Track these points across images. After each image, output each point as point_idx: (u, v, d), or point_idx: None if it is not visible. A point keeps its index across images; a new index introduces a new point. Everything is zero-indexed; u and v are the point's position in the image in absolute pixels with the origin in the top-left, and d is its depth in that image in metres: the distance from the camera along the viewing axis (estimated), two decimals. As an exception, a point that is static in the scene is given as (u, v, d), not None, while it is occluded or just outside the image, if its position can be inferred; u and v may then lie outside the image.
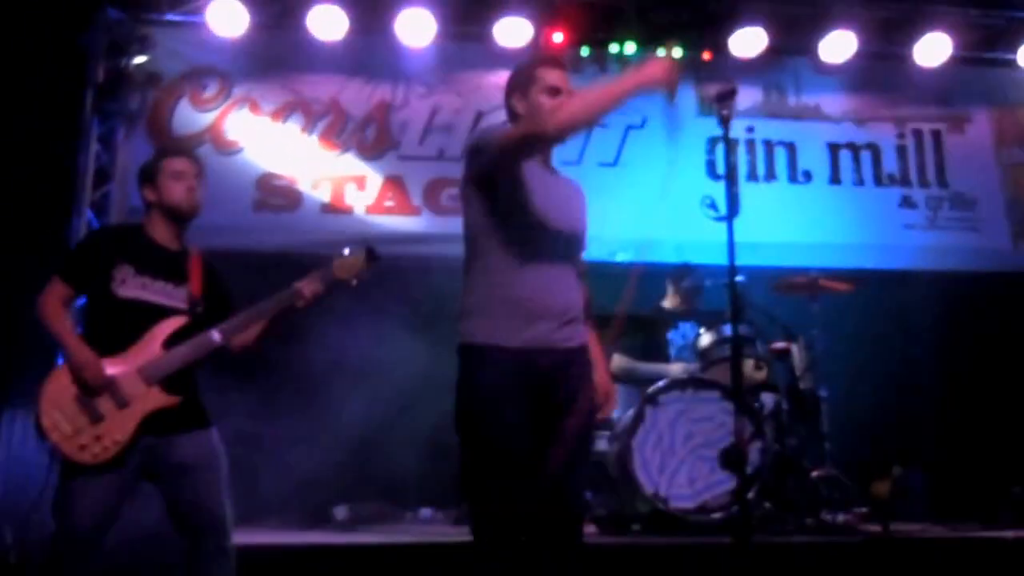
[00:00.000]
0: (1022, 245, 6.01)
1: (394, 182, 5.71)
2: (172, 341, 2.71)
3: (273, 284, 2.89)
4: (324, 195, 5.66)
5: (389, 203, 5.68)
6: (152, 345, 2.69)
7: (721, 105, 2.81)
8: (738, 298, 3.24)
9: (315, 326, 4.72)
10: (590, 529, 4.11)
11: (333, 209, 5.65)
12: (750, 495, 4.13)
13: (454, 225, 5.58)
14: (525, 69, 2.68)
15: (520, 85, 2.64)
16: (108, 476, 2.58)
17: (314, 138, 5.71)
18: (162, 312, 2.73)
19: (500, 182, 2.48)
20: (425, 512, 4.75)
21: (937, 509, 5.01)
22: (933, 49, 5.90)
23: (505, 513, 2.32)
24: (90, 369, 2.59)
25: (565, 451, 2.37)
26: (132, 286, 2.72)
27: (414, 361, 5.10)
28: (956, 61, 6.00)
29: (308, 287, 2.82)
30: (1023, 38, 5.99)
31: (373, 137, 5.78)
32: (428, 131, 5.82)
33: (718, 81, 6.06)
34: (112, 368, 2.63)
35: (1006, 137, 6.23)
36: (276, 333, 2.91)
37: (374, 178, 5.70)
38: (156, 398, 2.65)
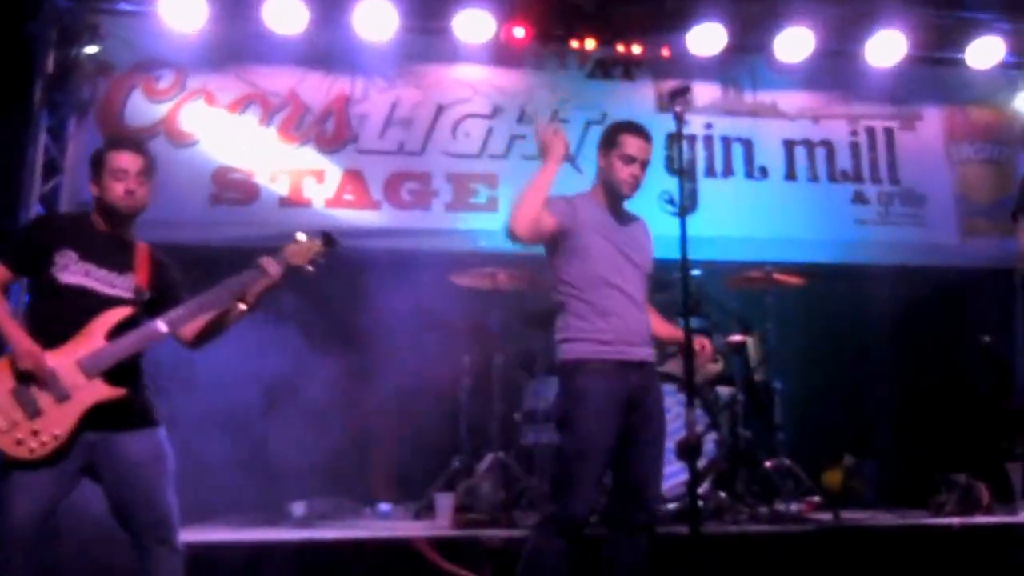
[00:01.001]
0: (969, 241, 6.15)
1: (353, 175, 5.67)
2: (116, 332, 2.61)
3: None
4: (282, 188, 5.60)
5: (348, 196, 5.65)
6: (94, 336, 2.59)
7: (675, 102, 2.84)
8: (691, 292, 3.30)
9: (274, 315, 4.68)
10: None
11: (291, 202, 5.59)
12: (705, 486, 4.20)
13: (414, 219, 5.73)
14: (613, 131, 3.18)
15: (606, 144, 3.16)
16: (47, 471, 2.52)
17: (272, 131, 5.65)
18: (106, 301, 2.65)
19: (556, 252, 3.08)
20: (384, 507, 4.74)
21: (887, 497, 5.13)
22: (886, 48, 5.99)
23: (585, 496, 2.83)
24: (29, 358, 2.51)
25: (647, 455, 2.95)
26: (75, 272, 2.64)
27: (377, 353, 5.10)
28: (909, 60, 6.11)
29: (267, 271, 2.78)
30: (972, 38, 6.11)
31: (332, 130, 5.74)
32: (388, 124, 5.79)
33: (676, 78, 6.17)
34: (52, 360, 2.54)
35: (956, 135, 6.36)
36: (219, 332, 2.85)
37: (333, 171, 5.66)
38: (98, 391, 2.57)
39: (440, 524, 4.11)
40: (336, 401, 4.99)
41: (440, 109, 5.83)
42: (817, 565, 3.78)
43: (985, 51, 6.11)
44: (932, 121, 6.34)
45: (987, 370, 5.54)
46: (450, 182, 5.76)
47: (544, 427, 4.68)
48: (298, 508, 4.49)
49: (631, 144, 3.09)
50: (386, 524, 4.46)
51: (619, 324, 2.96)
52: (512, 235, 2.92)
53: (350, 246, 5.52)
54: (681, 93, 2.86)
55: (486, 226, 5.67)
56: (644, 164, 3.11)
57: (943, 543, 3.95)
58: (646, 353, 3.03)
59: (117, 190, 2.70)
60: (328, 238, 2.89)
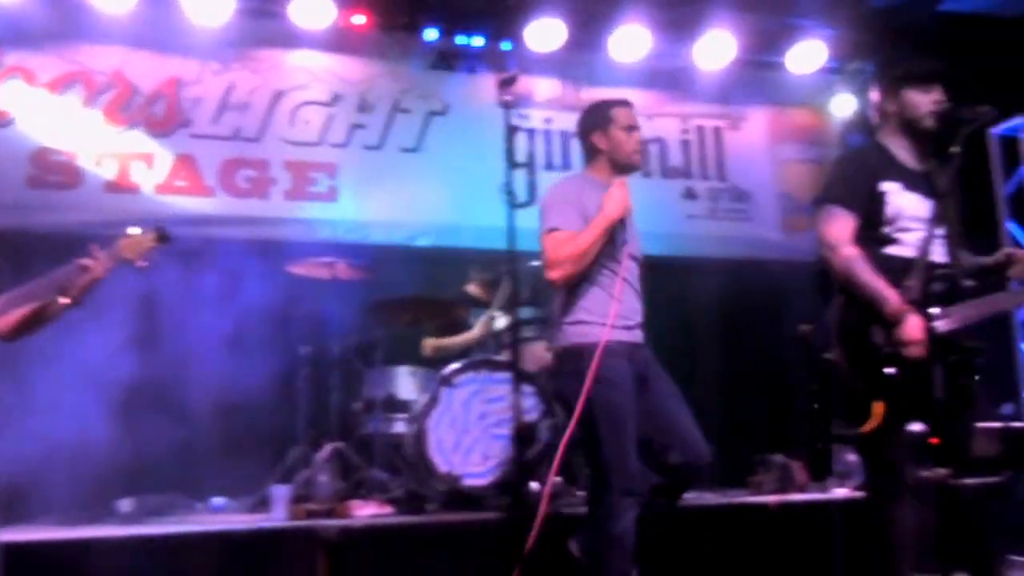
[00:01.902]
0: (791, 236, 6.55)
1: (186, 161, 5.45)
2: None
3: (52, 266, 2.72)
4: (108, 172, 5.32)
5: (180, 183, 5.43)
6: None
7: (503, 91, 2.88)
8: (528, 283, 3.42)
9: (100, 305, 4.46)
10: (386, 510, 4.13)
11: (118, 187, 5.32)
12: (540, 470, 4.29)
13: (250, 208, 5.57)
14: (600, 109, 3.35)
15: (599, 124, 3.33)
16: None
17: (97, 112, 5.36)
18: None
19: None
20: (218, 502, 4.60)
21: (714, 479, 5.38)
22: (715, 51, 6.28)
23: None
24: None
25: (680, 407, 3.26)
26: None
27: (210, 344, 4.95)
28: (737, 63, 6.43)
29: (95, 264, 2.66)
30: (795, 43, 6.48)
31: (163, 113, 5.50)
32: (223, 109, 5.60)
33: (515, 71, 6.26)
34: None
35: (778, 136, 6.75)
36: (39, 326, 2.71)
37: (164, 156, 5.43)
38: None
39: (275, 517, 4.02)
40: (167, 395, 4.81)
41: (278, 95, 5.69)
42: (647, 542, 3.93)
43: (807, 56, 6.51)
44: (757, 122, 6.71)
45: (804, 357, 5.89)
46: (288, 170, 5.64)
47: (384, 416, 4.68)
48: (124, 505, 4.29)
49: (626, 114, 3.31)
50: (218, 518, 4.33)
51: (626, 307, 3.19)
52: (554, 283, 3.19)
53: (183, 234, 5.39)
54: (508, 83, 2.92)
55: (325, 215, 5.59)
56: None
57: (761, 520, 4.19)
58: (643, 335, 3.30)
59: None
60: (162, 233, 2.80)
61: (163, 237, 2.79)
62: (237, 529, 3.65)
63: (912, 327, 2.69)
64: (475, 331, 4.84)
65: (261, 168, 5.59)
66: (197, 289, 5.04)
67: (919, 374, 2.71)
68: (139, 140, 5.40)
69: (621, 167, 3.35)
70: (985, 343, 2.87)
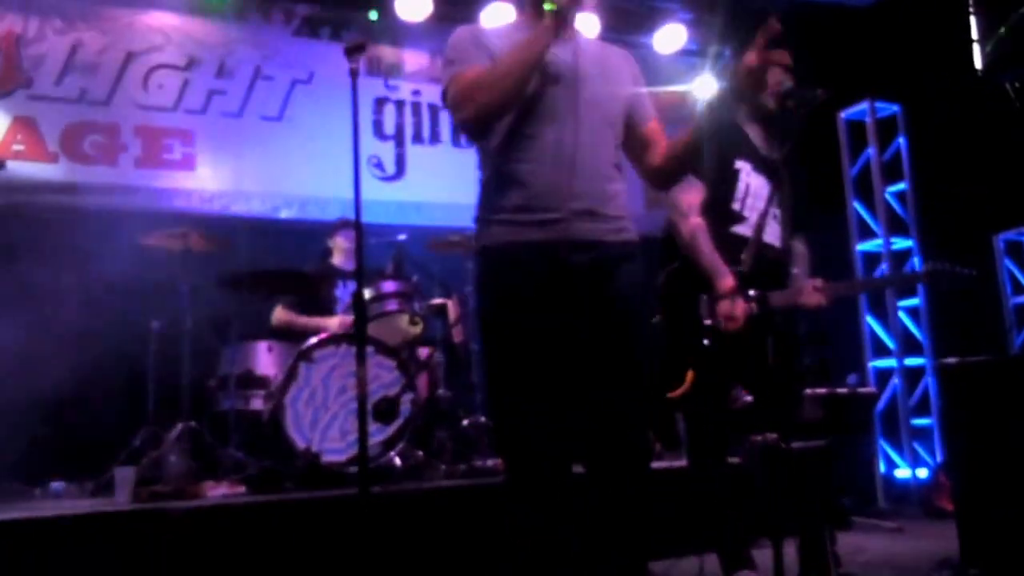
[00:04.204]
0: (652, 211, 6.70)
1: (25, 123, 5.12)
2: None
3: None
4: (-64, 133, 4.95)
5: (19, 147, 5.09)
6: None
7: (351, 59, 2.80)
8: (362, 256, 3.27)
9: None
10: (240, 490, 4.02)
11: (-53, 149, 4.96)
12: (402, 445, 4.27)
13: (97, 175, 5.27)
14: None
15: None
16: None
17: (-77, 68, 4.98)
18: None
19: None
20: (56, 486, 4.36)
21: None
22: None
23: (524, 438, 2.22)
24: None
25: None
26: None
27: (51, 319, 4.68)
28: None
29: None
30: (658, 25, 6.61)
31: (0, 72, 5.14)
32: (68, 70, 5.28)
33: (384, 43, 6.16)
34: None
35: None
36: None
37: (1, 118, 5.08)
38: None
39: (118, 500, 3.84)
40: (3, 372, 4.52)
41: (129, 57, 5.40)
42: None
43: (669, 38, 6.66)
44: (624, 101, 6.81)
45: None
46: (140, 136, 5.37)
47: (240, 393, 4.54)
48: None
49: None
50: (56, 504, 4.11)
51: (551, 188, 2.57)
52: (469, 134, 2.41)
53: (21, 201, 5.07)
54: (356, 50, 2.82)
55: (181, 185, 5.36)
56: None
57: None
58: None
59: None
60: None
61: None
62: (71, 513, 3.45)
63: (734, 305, 2.81)
64: (332, 324, 4.72)
65: (110, 134, 5.30)
66: (38, 261, 4.75)
67: (737, 347, 2.84)
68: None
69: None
70: (830, 316, 3.03)
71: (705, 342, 2.90)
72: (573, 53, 2.36)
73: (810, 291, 2.97)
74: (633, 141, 2.46)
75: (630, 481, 2.23)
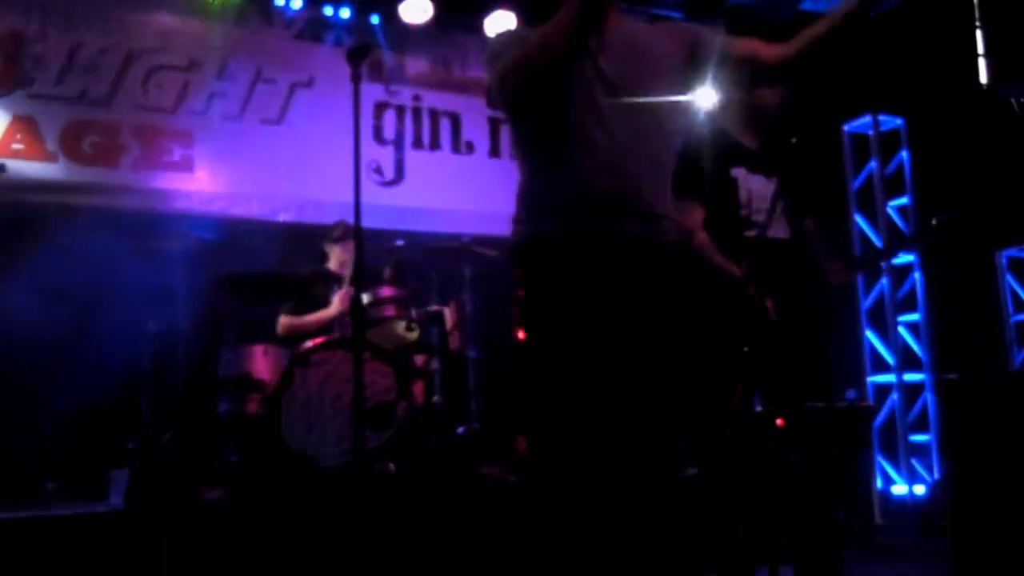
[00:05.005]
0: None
1: (24, 122, 5.08)
2: None
3: None
4: (-66, 131, 4.93)
5: (18, 146, 5.06)
6: None
7: (354, 63, 2.79)
8: (361, 263, 3.25)
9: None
10: (234, 493, 3.98)
11: (-55, 147, 4.94)
12: (395, 451, 4.24)
13: (96, 175, 5.25)
14: None
15: None
16: None
17: (-76, 66, 4.96)
18: None
19: None
20: (51, 487, 4.33)
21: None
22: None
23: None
24: None
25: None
26: None
27: (47, 320, 4.65)
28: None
29: None
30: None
31: (1, 71, 5.12)
32: (69, 70, 5.25)
33: (387, 47, 6.15)
34: None
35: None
36: None
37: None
38: None
39: (113, 502, 3.82)
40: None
41: (130, 57, 5.38)
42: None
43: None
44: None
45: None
46: (140, 137, 5.34)
47: (236, 396, 4.51)
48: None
49: None
50: (52, 505, 4.08)
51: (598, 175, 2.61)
52: (504, 109, 2.40)
53: (19, 201, 5.05)
54: (358, 54, 2.81)
55: (180, 186, 5.34)
56: None
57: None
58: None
59: None
60: None
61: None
62: (67, 514, 3.43)
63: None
64: (332, 308, 4.71)
65: (110, 134, 5.28)
66: (36, 260, 4.72)
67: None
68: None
69: None
70: (832, 330, 3.09)
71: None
72: (616, 52, 2.26)
73: (837, 271, 3.22)
74: (732, 68, 2.35)
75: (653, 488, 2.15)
